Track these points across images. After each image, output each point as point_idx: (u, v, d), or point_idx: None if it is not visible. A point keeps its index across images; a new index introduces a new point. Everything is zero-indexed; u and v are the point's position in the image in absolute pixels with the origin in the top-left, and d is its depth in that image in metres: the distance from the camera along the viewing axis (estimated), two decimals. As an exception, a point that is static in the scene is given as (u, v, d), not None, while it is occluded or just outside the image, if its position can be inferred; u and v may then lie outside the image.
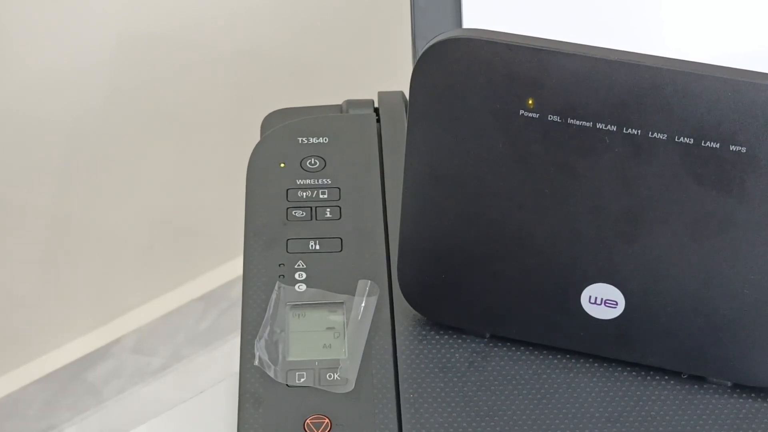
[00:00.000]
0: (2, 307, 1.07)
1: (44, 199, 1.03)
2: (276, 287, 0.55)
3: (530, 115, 0.48)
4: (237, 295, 1.20)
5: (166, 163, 1.08)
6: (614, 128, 0.47)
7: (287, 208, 0.59)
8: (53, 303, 1.10)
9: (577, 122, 0.47)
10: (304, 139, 0.62)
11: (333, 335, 0.53)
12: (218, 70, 1.05)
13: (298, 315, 0.54)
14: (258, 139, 0.65)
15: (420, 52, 0.48)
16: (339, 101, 0.67)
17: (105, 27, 0.97)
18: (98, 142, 1.02)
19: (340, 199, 0.59)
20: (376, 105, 0.66)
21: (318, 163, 0.61)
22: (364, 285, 0.55)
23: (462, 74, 0.48)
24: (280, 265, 0.57)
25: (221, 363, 1.21)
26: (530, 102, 0.48)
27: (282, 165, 0.61)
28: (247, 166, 0.62)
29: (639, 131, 0.47)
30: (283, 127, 0.63)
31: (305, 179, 0.60)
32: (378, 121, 0.64)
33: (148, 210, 1.10)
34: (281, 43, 1.08)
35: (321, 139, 0.62)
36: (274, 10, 1.06)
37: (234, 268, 1.20)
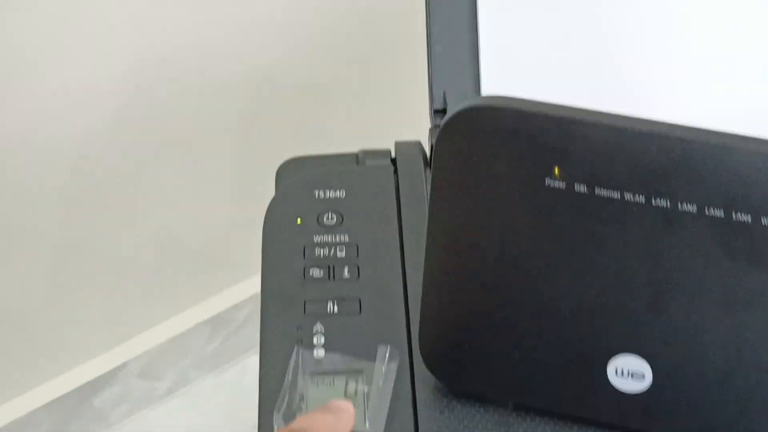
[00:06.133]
0: (9, 332, 1.06)
1: (50, 222, 1.02)
2: (294, 352, 0.54)
3: (556, 184, 0.47)
4: (244, 318, 1.20)
5: (173, 186, 1.07)
6: (643, 199, 0.46)
7: (304, 267, 0.58)
8: (59, 328, 1.09)
9: (605, 193, 0.46)
10: (320, 192, 0.61)
11: (353, 404, 0.52)
12: (227, 94, 1.05)
13: (318, 383, 0.53)
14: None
15: (442, 121, 0.47)
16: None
17: (113, 51, 0.96)
18: (105, 165, 1.01)
19: (358, 256, 0.58)
20: (392, 155, 0.65)
21: (335, 218, 0.60)
22: (384, 350, 0.53)
23: (486, 143, 0.47)
24: (298, 328, 0.55)
25: (229, 386, 1.20)
26: (556, 171, 0.47)
27: (299, 221, 0.60)
28: (263, 221, 0.61)
29: (668, 203, 0.46)
30: (299, 181, 0.62)
31: (322, 235, 0.59)
32: (395, 172, 0.63)
33: (154, 233, 1.09)
34: (293, 68, 1.07)
35: (338, 193, 0.61)
36: (286, 38, 1.05)
37: (241, 290, 1.19)
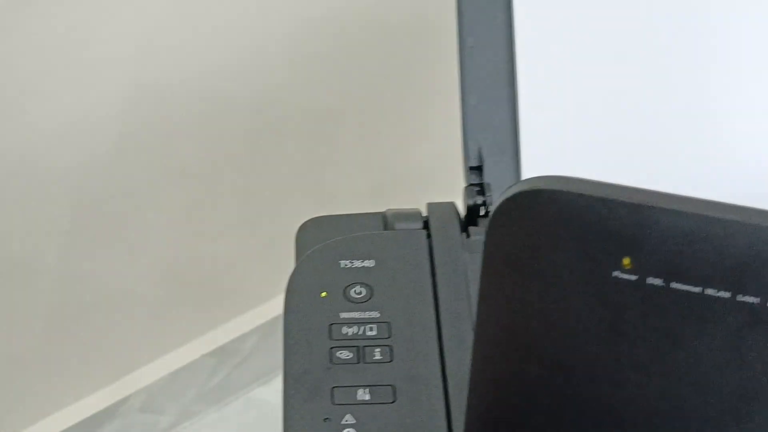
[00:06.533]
0: (5, 368, 1.02)
1: (49, 254, 0.99)
2: None
3: (626, 276, 0.41)
4: (249, 349, 1.16)
5: (176, 215, 1.04)
6: (727, 295, 0.41)
7: (331, 348, 0.53)
8: (58, 362, 1.06)
9: (683, 287, 0.41)
10: (347, 262, 0.56)
11: None
12: (232, 121, 1.01)
13: (350, 490, 0.47)
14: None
15: (493, 205, 0.42)
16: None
17: (114, 78, 0.93)
18: (105, 194, 0.99)
19: (390, 336, 0.53)
20: (424, 214, 0.60)
21: (364, 291, 0.55)
22: (423, 451, 0.48)
23: (546, 230, 0.41)
24: (325, 419, 0.50)
25: (233, 419, 1.18)
26: (626, 262, 0.41)
27: (323, 294, 0.55)
28: (284, 293, 0.56)
29: (757, 300, 0.40)
30: (323, 248, 0.56)
31: (350, 312, 0.54)
32: (428, 236, 0.58)
33: (156, 263, 1.06)
34: (303, 94, 1.03)
35: (366, 263, 0.56)
36: (295, 61, 1.02)
37: (246, 321, 1.16)
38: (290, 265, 0.56)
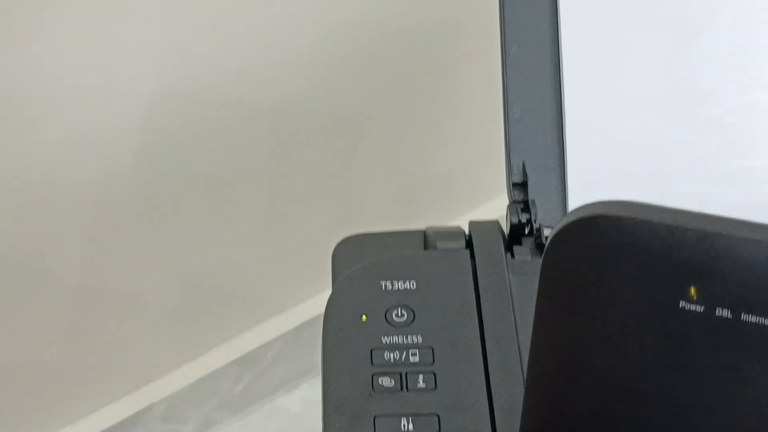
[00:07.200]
0: (27, 376, 1.02)
1: (71, 263, 0.98)
2: None
3: (693, 308, 0.39)
4: (273, 357, 1.15)
5: (199, 223, 1.03)
6: (801, 329, 0.38)
7: (373, 375, 0.50)
8: (79, 371, 1.05)
9: (754, 319, 0.39)
10: (387, 283, 0.54)
11: None
12: (255, 128, 1.00)
13: None
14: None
15: (551, 231, 0.40)
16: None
17: (135, 86, 0.92)
18: (127, 202, 0.97)
19: (434, 363, 0.51)
20: (466, 232, 0.57)
21: (406, 315, 0.52)
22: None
23: (607, 258, 0.39)
24: (368, 452, 0.48)
25: (256, 428, 1.17)
26: (693, 292, 0.39)
27: (363, 318, 0.52)
28: (323, 316, 0.54)
29: (834, 334, 0.38)
30: (362, 269, 0.54)
31: (392, 336, 0.52)
32: (472, 256, 0.55)
33: (178, 271, 1.05)
34: (329, 99, 1.02)
35: (407, 284, 0.54)
36: (320, 67, 1.00)
37: (269, 329, 1.15)
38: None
